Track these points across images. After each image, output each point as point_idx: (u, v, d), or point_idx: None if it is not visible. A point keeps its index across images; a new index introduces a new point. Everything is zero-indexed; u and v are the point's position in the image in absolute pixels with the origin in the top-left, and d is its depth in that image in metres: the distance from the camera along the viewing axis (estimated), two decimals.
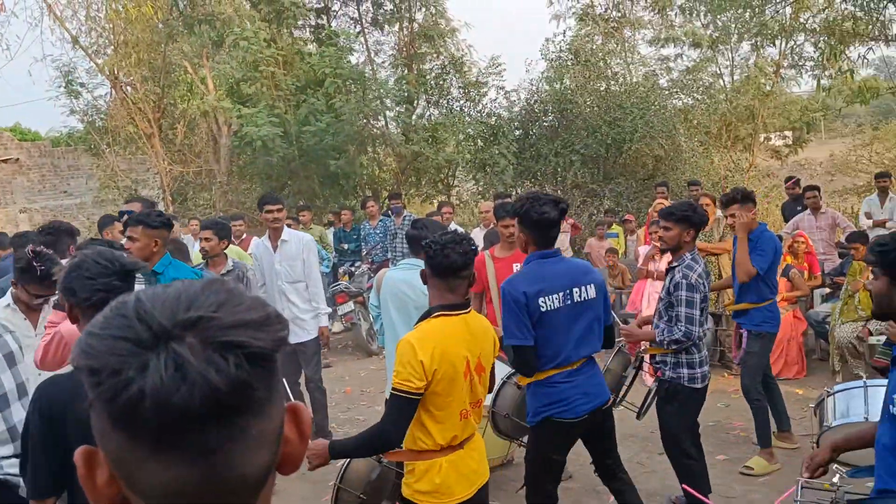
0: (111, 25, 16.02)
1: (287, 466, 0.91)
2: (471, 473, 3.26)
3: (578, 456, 6.25)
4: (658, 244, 8.26)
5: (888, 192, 10.54)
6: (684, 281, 4.67)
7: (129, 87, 16.76)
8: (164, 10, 15.05)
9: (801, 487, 2.86)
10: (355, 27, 17.58)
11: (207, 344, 0.79)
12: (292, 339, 6.41)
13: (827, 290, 9.17)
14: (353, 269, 11.09)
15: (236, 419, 0.80)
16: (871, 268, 2.67)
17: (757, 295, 5.92)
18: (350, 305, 10.26)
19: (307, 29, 17.83)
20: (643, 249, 9.58)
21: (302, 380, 6.72)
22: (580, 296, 3.97)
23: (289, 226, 6.93)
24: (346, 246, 11.81)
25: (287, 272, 6.37)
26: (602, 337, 4.16)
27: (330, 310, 6.48)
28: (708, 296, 4.81)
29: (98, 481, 0.84)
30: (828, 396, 3.85)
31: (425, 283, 3.24)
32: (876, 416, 4.01)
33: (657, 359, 4.92)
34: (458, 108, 17.15)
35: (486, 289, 5.98)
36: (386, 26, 17.69)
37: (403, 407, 3.02)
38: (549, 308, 3.86)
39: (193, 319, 0.80)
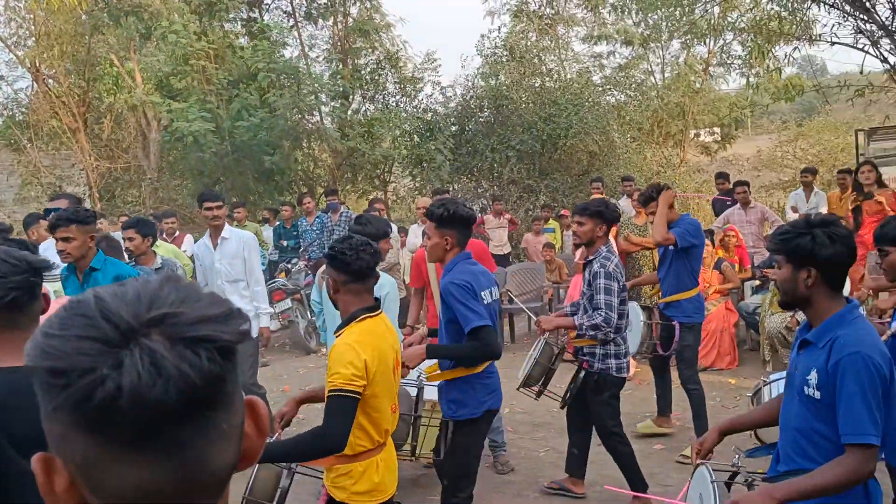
0: (32, 16, 15.46)
1: (245, 461, 0.91)
2: (395, 466, 3.35)
3: (520, 449, 6.31)
4: (574, 239, 8.40)
5: (813, 186, 10.89)
6: (602, 270, 4.82)
7: (51, 80, 16.21)
8: (88, 1, 14.57)
9: (711, 470, 2.90)
10: (288, 21, 17.34)
11: (176, 340, 0.79)
12: None
13: (757, 282, 9.40)
14: (290, 266, 10.93)
15: (209, 414, 0.81)
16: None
17: (682, 284, 6.02)
18: (287, 303, 10.11)
19: (239, 22, 17.50)
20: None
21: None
22: (495, 296, 4.15)
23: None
24: (285, 242, 11.64)
25: (227, 271, 6.21)
26: None
27: (272, 310, 6.34)
28: (624, 286, 4.96)
29: (57, 488, 0.83)
30: (764, 385, 3.93)
31: (336, 291, 3.17)
32: None
33: (585, 350, 5.04)
34: (393, 104, 17.08)
35: (427, 285, 5.94)
36: (320, 20, 17.48)
37: (348, 408, 2.97)
38: (486, 302, 3.98)
39: (159, 316, 0.80)
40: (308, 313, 10.26)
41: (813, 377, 2.55)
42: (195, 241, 11.21)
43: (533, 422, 6.88)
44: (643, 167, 17.00)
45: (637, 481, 4.99)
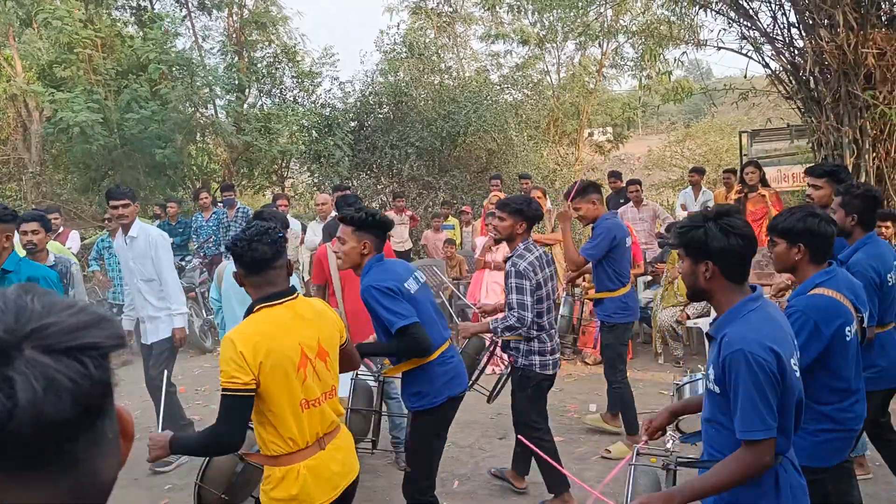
0: None
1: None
2: (333, 476, 3.07)
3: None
4: (493, 234, 8.45)
5: (701, 185, 11.34)
6: (513, 269, 4.80)
7: None
8: None
9: (637, 454, 2.96)
10: (181, 10, 16.79)
11: (59, 351, 0.76)
12: (147, 340, 6.12)
13: (649, 277, 9.72)
14: (181, 263, 10.58)
15: (99, 423, 0.80)
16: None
17: (603, 285, 6.06)
18: None
19: (128, 10, 16.83)
20: (480, 240, 9.75)
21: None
22: (422, 279, 4.13)
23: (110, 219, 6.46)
24: (172, 240, 11.24)
25: (140, 270, 5.95)
26: None
27: (186, 310, 6.09)
28: (542, 282, 4.91)
29: None
30: (675, 392, 4.05)
31: (242, 285, 3.05)
32: None
33: (511, 346, 5.04)
34: (291, 99, 16.79)
35: (329, 281, 5.86)
36: (214, 11, 16.99)
37: (234, 406, 2.83)
38: (413, 291, 3.95)
39: (35, 328, 0.76)
40: (203, 311, 9.97)
41: (712, 372, 2.61)
42: (81, 238, 10.73)
43: (458, 419, 6.87)
44: (540, 165, 17.29)
45: (555, 482, 4.97)
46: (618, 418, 6.38)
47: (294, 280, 5.21)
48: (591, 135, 23.48)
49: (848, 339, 3.39)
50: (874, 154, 8.54)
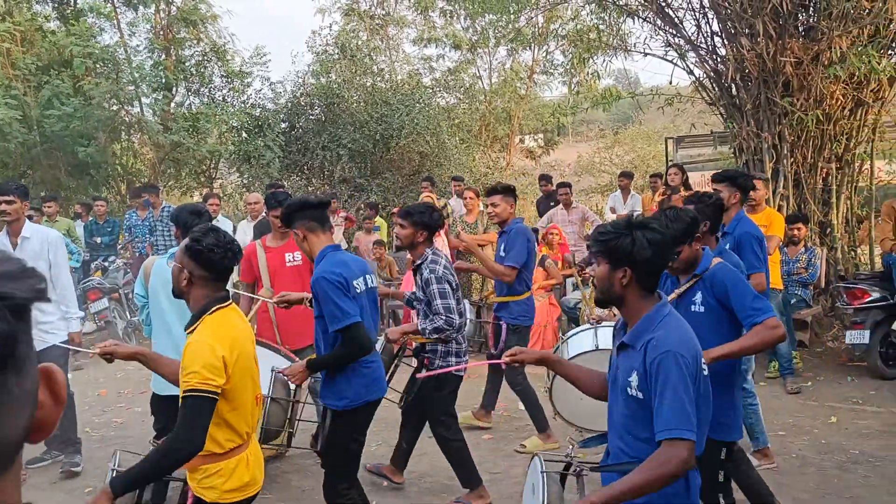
0: None
1: (40, 432, 0.87)
2: (262, 459, 3.21)
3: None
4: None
5: (629, 189, 11.60)
6: (433, 276, 4.85)
7: None
8: None
9: (543, 461, 2.93)
10: (106, 5, 16.35)
11: None
12: (39, 345, 5.85)
13: (578, 278, 9.87)
14: (106, 263, 10.32)
15: (1, 376, 0.77)
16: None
17: (511, 289, 6.17)
18: (104, 302, 9.53)
19: (50, 4, 16.32)
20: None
21: None
22: (372, 282, 4.20)
23: (30, 218, 6.20)
24: (98, 240, 10.95)
25: None
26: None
27: (82, 314, 5.90)
28: (458, 285, 5.03)
29: None
30: (562, 343, 4.26)
31: (190, 284, 2.99)
32: (604, 345, 4.59)
33: (427, 348, 5.09)
34: (220, 98, 16.51)
35: (258, 278, 5.80)
36: (141, 7, 16.59)
37: (205, 408, 2.82)
38: (359, 291, 4.01)
39: None
40: (127, 313, 9.73)
41: (634, 379, 2.63)
42: None
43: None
44: (472, 168, 17.40)
45: (469, 478, 5.07)
46: (490, 415, 6.63)
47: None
48: (522, 140, 23.74)
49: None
50: (792, 159, 8.85)
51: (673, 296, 3.70)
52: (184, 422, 2.80)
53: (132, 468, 2.84)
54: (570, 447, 3.09)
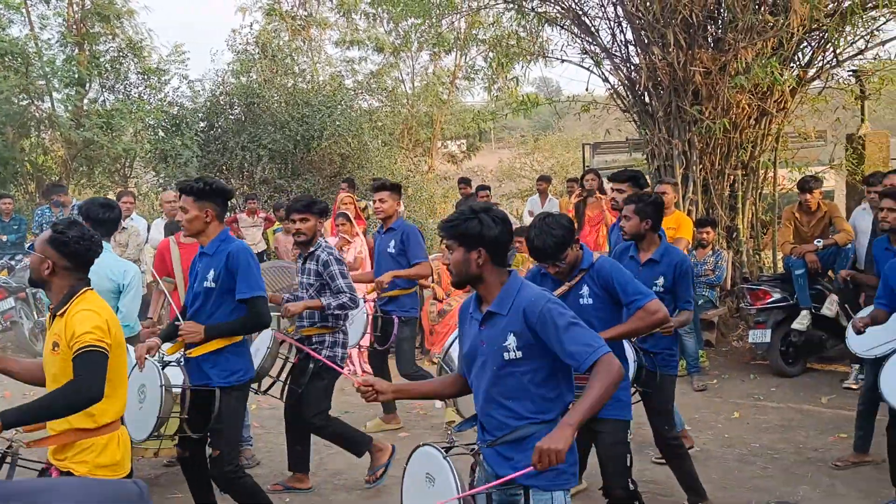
0: None
1: None
2: (129, 444, 3.33)
3: (267, 444, 6.24)
4: (345, 236, 8.56)
5: (547, 193, 11.84)
6: (331, 257, 5.08)
7: None
8: None
9: (439, 447, 2.97)
10: None
11: None
12: None
13: None
14: (13, 262, 9.96)
15: None
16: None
17: (401, 283, 6.32)
18: (10, 302, 9.20)
19: None
20: (330, 241, 9.75)
21: None
22: None
23: None
24: (4, 237, 10.56)
25: None
26: None
27: None
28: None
29: None
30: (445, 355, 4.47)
31: (53, 273, 3.14)
32: None
33: (315, 339, 5.18)
34: (136, 95, 16.12)
35: (171, 275, 5.73)
36: (53, 0, 16.07)
37: (99, 362, 2.98)
38: None
39: None
40: (34, 313, 9.41)
41: (511, 341, 2.79)
42: None
43: (280, 416, 6.78)
44: (394, 172, 17.42)
45: (298, 463, 5.32)
46: (396, 416, 6.68)
47: (138, 273, 5.10)
48: (444, 145, 23.89)
49: None
50: (701, 165, 9.18)
51: (562, 289, 3.88)
52: (83, 373, 2.94)
53: (27, 404, 2.98)
54: (449, 432, 3.28)
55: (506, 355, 2.80)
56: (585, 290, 3.91)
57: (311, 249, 5.13)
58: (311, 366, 5.13)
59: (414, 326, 6.50)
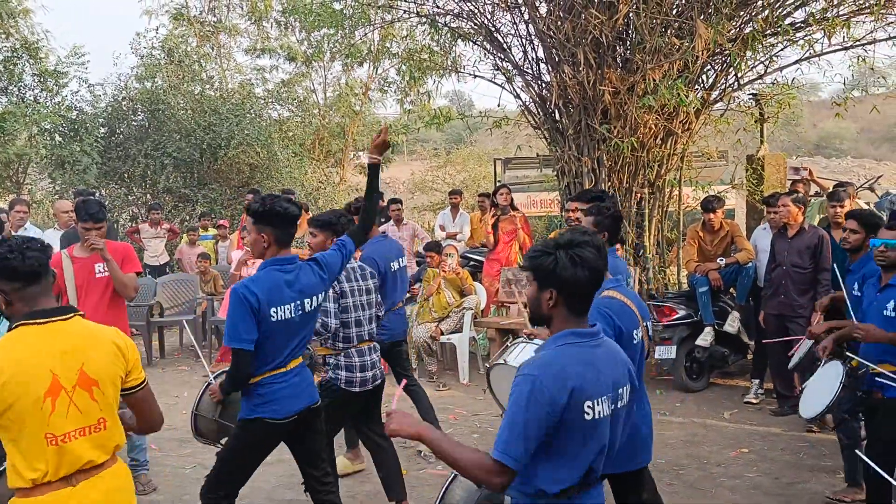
0: None
1: None
2: None
3: (165, 467, 5.97)
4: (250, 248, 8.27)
5: (459, 207, 11.82)
6: None
7: None
8: None
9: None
10: None
11: None
12: None
13: (407, 294, 9.91)
14: None
15: None
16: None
17: None
18: None
19: None
20: (236, 254, 9.52)
21: None
22: (311, 306, 4.00)
23: None
24: None
25: None
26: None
27: None
28: (349, 292, 4.93)
29: None
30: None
31: (10, 305, 2.72)
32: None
33: (326, 359, 4.96)
34: (31, 98, 15.37)
35: (63, 291, 5.38)
36: None
37: None
38: (279, 318, 3.82)
39: None
40: None
41: None
42: None
43: (179, 438, 6.53)
44: (304, 182, 17.20)
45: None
46: (360, 454, 6.18)
47: None
48: (356, 156, 23.70)
49: (635, 342, 3.64)
50: (609, 183, 9.31)
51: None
52: None
53: None
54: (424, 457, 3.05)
55: None
56: None
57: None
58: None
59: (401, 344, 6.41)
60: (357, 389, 4.89)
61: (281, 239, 3.88)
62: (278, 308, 3.81)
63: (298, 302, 3.91)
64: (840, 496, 5.33)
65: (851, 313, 4.87)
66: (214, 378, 4.18)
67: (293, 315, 3.88)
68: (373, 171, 4.41)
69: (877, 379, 4.28)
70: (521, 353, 4.30)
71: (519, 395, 2.39)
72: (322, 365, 5.06)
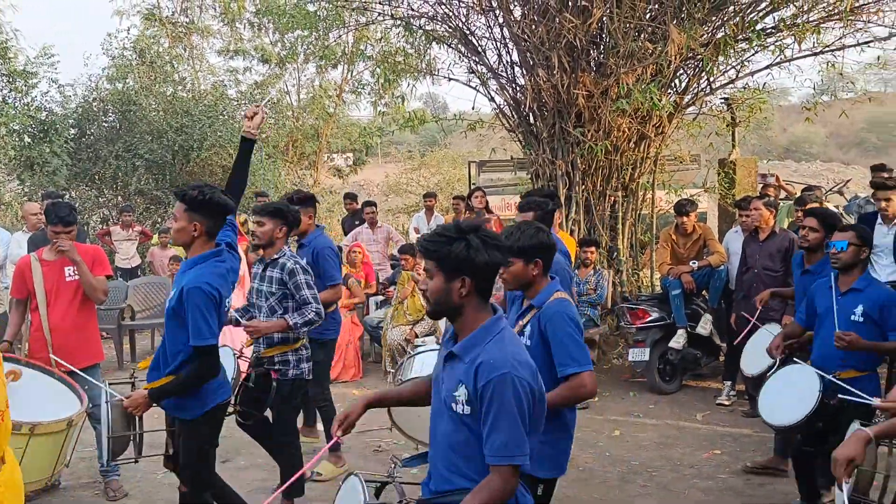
0: None
1: None
2: (17, 489, 2.73)
3: (136, 472, 5.89)
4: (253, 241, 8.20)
5: (434, 210, 11.82)
6: (297, 266, 4.85)
7: None
8: None
9: (364, 481, 2.72)
10: None
11: None
12: None
13: (381, 297, 9.90)
14: None
15: None
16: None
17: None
18: None
19: None
20: None
21: None
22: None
23: None
24: None
25: None
26: None
27: None
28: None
29: None
30: (408, 358, 4.18)
31: None
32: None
33: (277, 359, 4.91)
34: (0, 99, 15.14)
35: (32, 295, 5.31)
36: None
37: None
38: (226, 307, 3.89)
39: None
40: None
41: (461, 393, 2.44)
42: None
43: (149, 443, 6.43)
44: (277, 184, 17.10)
45: (296, 488, 5.00)
46: (315, 430, 6.51)
47: None
48: (330, 158, 23.61)
49: None
50: (583, 186, 9.37)
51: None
52: None
53: None
54: (393, 465, 2.94)
55: (454, 406, 2.46)
56: (528, 329, 3.38)
57: (275, 256, 4.87)
58: (274, 386, 4.88)
59: (331, 349, 6.12)
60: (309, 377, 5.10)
61: (211, 231, 3.82)
62: (228, 298, 3.90)
63: (233, 288, 4.00)
64: (762, 463, 5.82)
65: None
66: (112, 396, 3.96)
67: (230, 301, 4.00)
68: (248, 144, 4.44)
69: (843, 397, 4.16)
70: (423, 366, 4.18)
71: (504, 397, 2.34)
72: (273, 367, 4.93)
